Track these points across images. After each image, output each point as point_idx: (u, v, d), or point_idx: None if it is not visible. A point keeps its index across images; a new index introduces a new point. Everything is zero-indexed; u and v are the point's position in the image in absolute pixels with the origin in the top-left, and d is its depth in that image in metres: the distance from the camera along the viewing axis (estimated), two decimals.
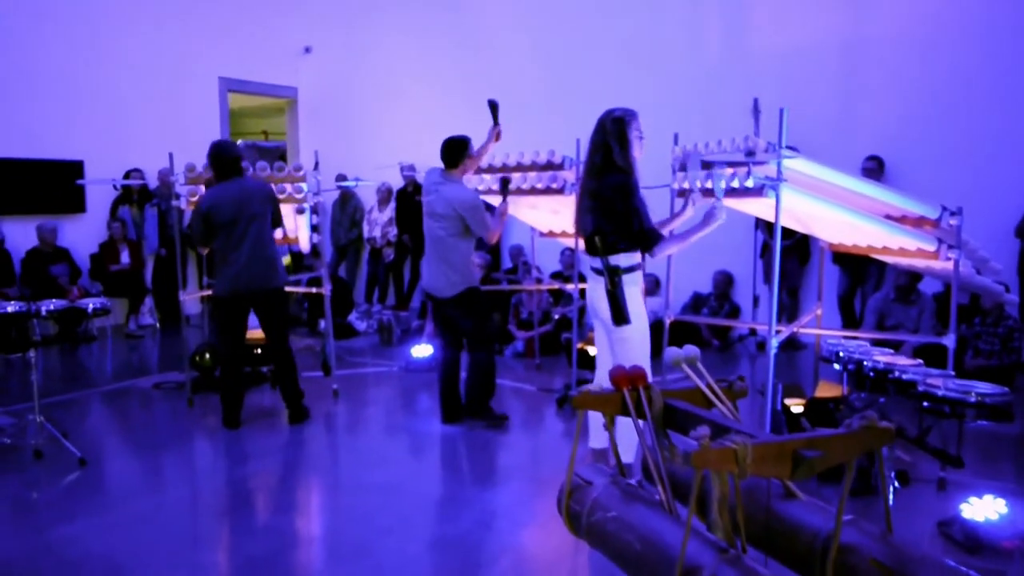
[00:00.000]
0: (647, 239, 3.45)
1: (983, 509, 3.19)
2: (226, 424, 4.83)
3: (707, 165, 3.89)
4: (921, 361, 3.91)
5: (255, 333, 5.10)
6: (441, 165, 4.70)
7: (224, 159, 4.70)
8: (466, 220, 4.56)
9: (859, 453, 1.73)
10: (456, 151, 4.65)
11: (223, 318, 4.79)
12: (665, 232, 3.61)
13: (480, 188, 5.20)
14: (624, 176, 3.43)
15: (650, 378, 2.29)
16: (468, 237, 4.65)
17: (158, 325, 8.45)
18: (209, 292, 5.61)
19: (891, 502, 3.35)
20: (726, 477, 1.67)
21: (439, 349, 4.98)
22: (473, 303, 4.73)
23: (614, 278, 3.40)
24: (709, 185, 3.68)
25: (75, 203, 8.14)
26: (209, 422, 5.00)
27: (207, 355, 5.73)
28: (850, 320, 6.66)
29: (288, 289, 5.08)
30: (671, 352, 2.14)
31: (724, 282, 7.34)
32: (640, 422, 2.00)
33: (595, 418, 3.69)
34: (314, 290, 6.39)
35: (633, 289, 3.49)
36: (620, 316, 3.41)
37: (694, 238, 3.58)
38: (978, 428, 4.49)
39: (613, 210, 3.42)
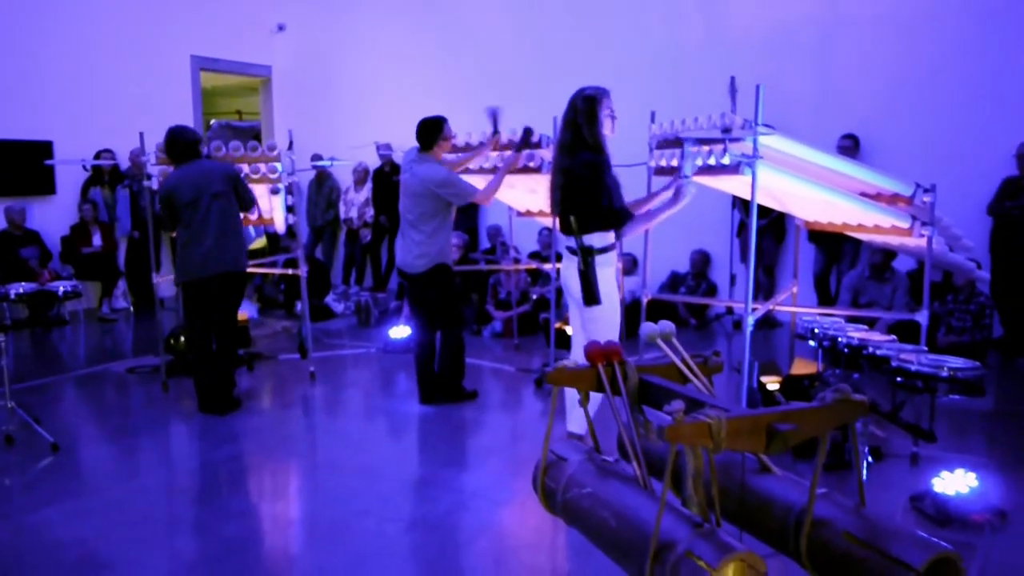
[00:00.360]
0: (617, 218, 3.43)
1: (954, 483, 3.24)
2: (202, 408, 4.79)
3: (678, 142, 3.86)
4: (895, 337, 3.94)
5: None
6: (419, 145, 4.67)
7: (179, 143, 4.65)
8: (444, 197, 4.56)
9: (833, 426, 1.73)
10: (430, 132, 4.63)
11: (192, 303, 4.73)
12: (641, 212, 3.59)
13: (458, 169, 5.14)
14: (594, 154, 3.41)
15: None
16: (441, 216, 4.63)
17: (132, 308, 8.33)
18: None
19: (864, 476, 3.39)
20: (700, 452, 1.66)
21: (415, 329, 4.96)
22: (442, 281, 4.72)
23: (587, 259, 3.38)
24: (677, 163, 3.66)
25: (44, 184, 7.98)
26: (184, 406, 4.95)
27: (182, 339, 5.66)
28: (825, 298, 6.71)
29: (264, 271, 5.03)
30: (647, 328, 2.13)
31: (701, 261, 7.37)
32: (615, 398, 2.00)
33: (572, 401, 3.69)
34: (290, 271, 6.31)
35: (607, 270, 3.47)
36: (591, 296, 3.40)
37: (663, 216, 3.56)
38: (950, 403, 4.55)
39: (584, 188, 3.41)
